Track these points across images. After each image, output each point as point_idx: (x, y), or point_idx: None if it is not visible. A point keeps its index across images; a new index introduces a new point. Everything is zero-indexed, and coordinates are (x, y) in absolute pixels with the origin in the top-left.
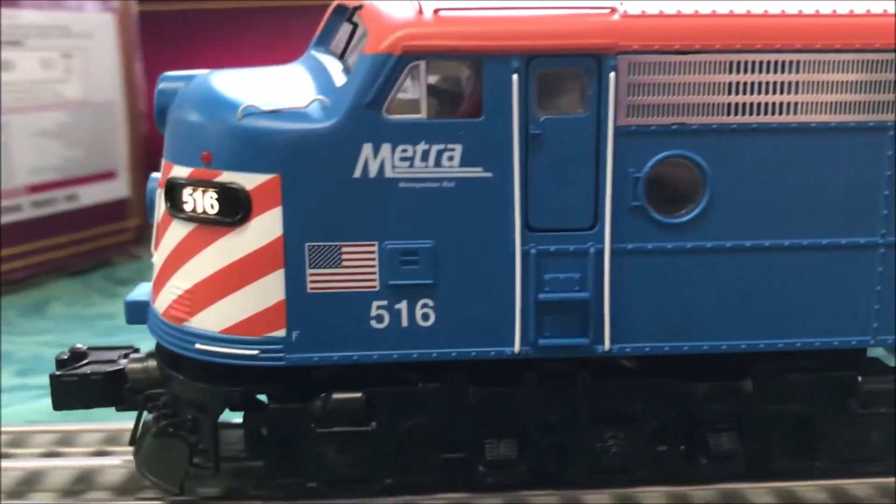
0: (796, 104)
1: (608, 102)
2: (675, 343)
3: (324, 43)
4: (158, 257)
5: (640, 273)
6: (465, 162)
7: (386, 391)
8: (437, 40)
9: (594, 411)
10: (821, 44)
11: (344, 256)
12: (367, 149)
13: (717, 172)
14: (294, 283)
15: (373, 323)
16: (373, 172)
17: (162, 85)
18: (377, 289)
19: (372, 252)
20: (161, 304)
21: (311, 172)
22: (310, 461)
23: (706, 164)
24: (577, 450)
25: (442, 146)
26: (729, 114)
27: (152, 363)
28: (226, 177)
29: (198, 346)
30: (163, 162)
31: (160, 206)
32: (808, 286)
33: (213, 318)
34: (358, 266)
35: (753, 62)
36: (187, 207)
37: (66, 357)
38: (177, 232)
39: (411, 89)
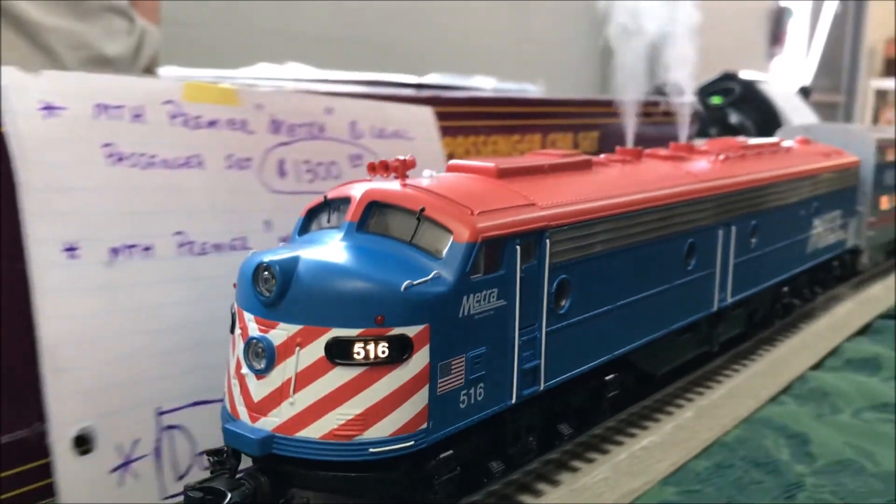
0: (605, 241)
1: (545, 255)
2: (566, 375)
3: (363, 229)
4: (303, 398)
5: (551, 342)
6: (498, 297)
7: (460, 446)
8: (492, 231)
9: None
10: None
11: (452, 367)
12: (464, 299)
13: (575, 283)
14: (433, 391)
15: (460, 405)
16: (466, 313)
17: (279, 268)
18: (463, 384)
19: (462, 361)
20: (318, 431)
21: (442, 318)
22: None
23: (572, 279)
24: (543, 443)
25: (491, 290)
26: (580, 252)
27: (266, 477)
28: (396, 331)
29: (371, 449)
30: (292, 327)
31: (302, 360)
32: (603, 331)
33: (384, 428)
34: (457, 372)
35: (589, 225)
36: (358, 356)
37: None
38: (343, 375)
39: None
